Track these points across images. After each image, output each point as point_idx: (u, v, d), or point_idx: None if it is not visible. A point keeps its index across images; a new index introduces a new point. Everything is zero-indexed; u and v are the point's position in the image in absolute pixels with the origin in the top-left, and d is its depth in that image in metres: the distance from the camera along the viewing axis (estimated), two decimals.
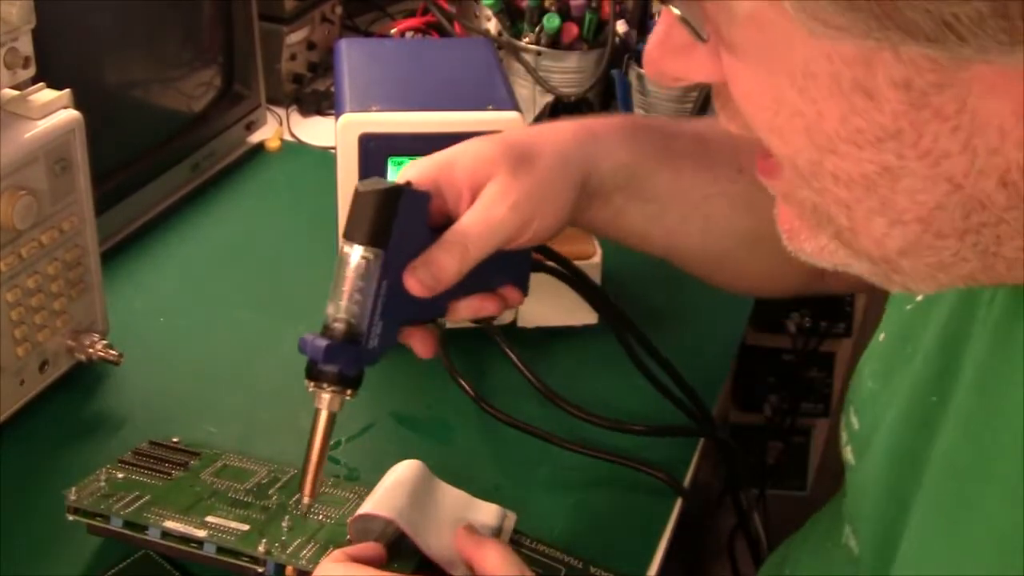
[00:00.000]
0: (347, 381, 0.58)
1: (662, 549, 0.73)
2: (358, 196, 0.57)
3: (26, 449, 0.76)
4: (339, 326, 0.57)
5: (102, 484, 0.68)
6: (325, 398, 0.57)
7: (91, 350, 0.80)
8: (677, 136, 0.69)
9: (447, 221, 0.60)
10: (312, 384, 0.58)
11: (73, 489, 0.66)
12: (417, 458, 0.79)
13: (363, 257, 0.56)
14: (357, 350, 0.57)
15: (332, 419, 0.58)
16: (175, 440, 0.75)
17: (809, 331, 1.60)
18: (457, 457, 0.79)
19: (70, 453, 0.77)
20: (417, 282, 0.58)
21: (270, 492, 0.70)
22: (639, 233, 0.69)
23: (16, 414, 0.77)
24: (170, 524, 0.64)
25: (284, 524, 0.66)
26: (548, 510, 0.74)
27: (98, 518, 0.65)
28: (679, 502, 0.76)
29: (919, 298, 0.54)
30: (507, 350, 0.82)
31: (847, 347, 1.66)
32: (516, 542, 0.70)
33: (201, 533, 0.63)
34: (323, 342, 0.56)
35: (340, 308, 0.57)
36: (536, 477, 0.78)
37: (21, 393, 0.77)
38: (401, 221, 0.57)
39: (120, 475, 0.69)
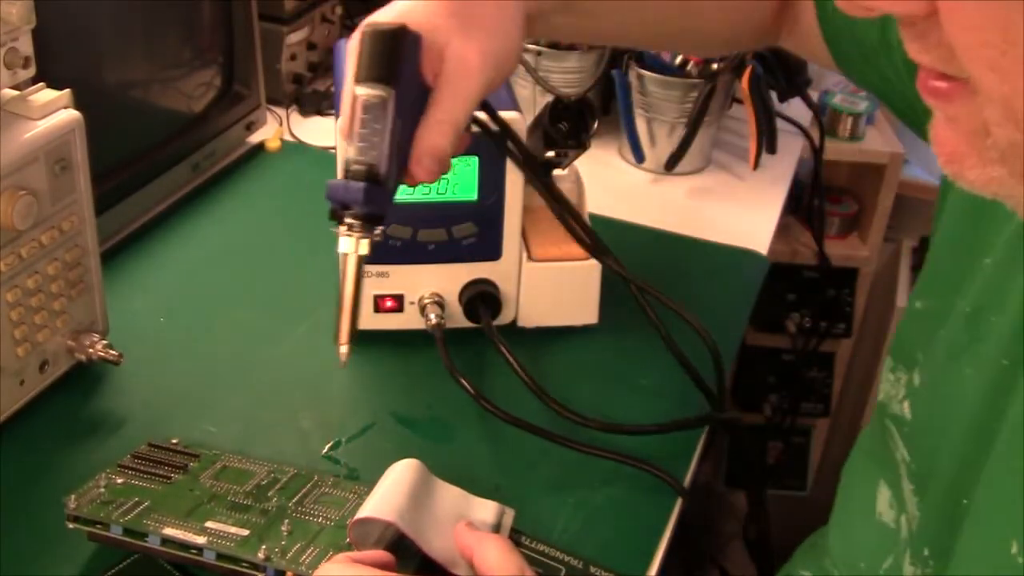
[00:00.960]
0: (377, 220, 0.59)
1: (662, 549, 0.73)
2: (367, 36, 0.58)
3: (26, 449, 0.76)
4: (359, 168, 0.58)
5: (101, 490, 0.68)
6: (357, 242, 0.59)
7: (91, 350, 0.80)
8: None
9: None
10: (344, 229, 0.59)
11: (72, 497, 0.66)
12: (417, 458, 0.79)
13: (378, 96, 0.58)
14: (383, 190, 0.59)
15: (362, 262, 0.60)
16: (174, 441, 0.75)
17: (809, 331, 1.60)
18: (457, 457, 0.79)
19: (70, 453, 0.77)
20: (424, 171, 0.61)
21: (270, 494, 0.70)
22: (580, 39, 0.75)
23: (16, 414, 0.77)
24: (169, 531, 0.64)
25: (284, 528, 0.66)
26: (548, 510, 0.74)
27: (98, 525, 0.65)
28: (679, 502, 0.76)
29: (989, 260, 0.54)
30: (504, 350, 0.82)
31: (847, 347, 1.66)
32: (516, 541, 0.70)
33: (200, 540, 0.63)
34: (358, 184, 0.58)
35: (360, 150, 0.58)
36: (536, 477, 0.78)
37: (21, 393, 0.77)
38: (405, 61, 0.59)
39: (119, 480, 0.69)
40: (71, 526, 0.65)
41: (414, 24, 0.60)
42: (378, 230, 0.59)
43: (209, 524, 0.65)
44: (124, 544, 0.65)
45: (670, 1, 0.75)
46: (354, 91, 0.59)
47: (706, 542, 0.80)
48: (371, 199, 0.58)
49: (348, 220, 0.59)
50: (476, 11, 0.63)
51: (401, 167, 0.61)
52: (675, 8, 0.75)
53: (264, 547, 0.63)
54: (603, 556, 0.70)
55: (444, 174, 0.62)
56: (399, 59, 0.58)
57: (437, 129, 0.61)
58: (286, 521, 0.66)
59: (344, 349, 0.60)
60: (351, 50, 0.60)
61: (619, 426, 0.79)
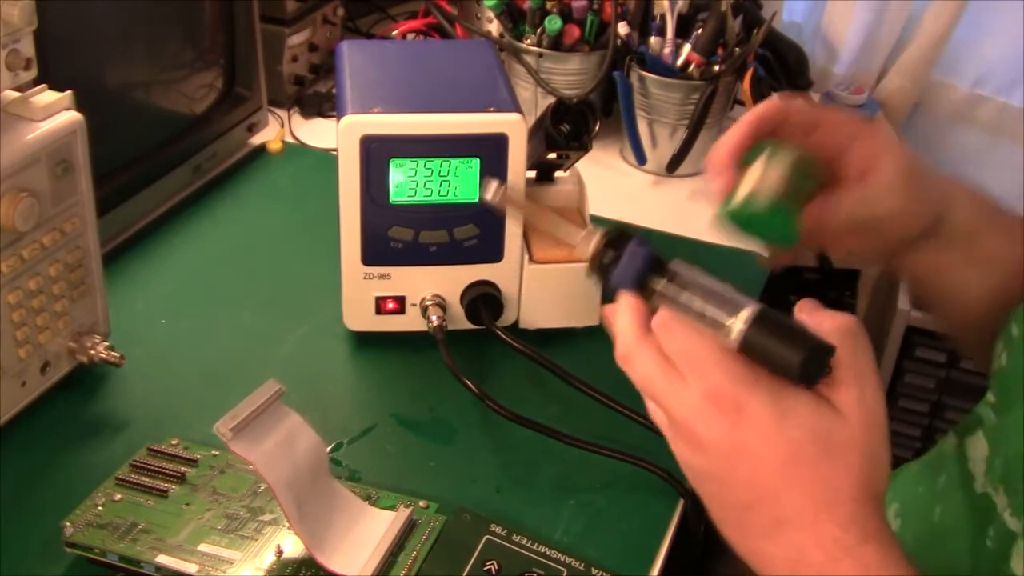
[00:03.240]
0: (608, 274, 0.58)
1: (664, 550, 0.73)
2: (817, 347, 0.52)
3: (28, 450, 0.76)
4: (666, 274, 0.57)
5: (99, 509, 0.69)
6: (598, 248, 0.59)
7: (93, 352, 0.80)
8: (1008, 210, 0.71)
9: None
10: (599, 240, 0.59)
11: (68, 523, 0.67)
12: (419, 459, 0.79)
13: (730, 328, 0.53)
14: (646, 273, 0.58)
15: (567, 237, 0.60)
16: (174, 442, 0.75)
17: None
18: (459, 458, 0.79)
19: (72, 454, 0.77)
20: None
21: (269, 499, 0.70)
22: (958, 290, 0.70)
23: (18, 415, 0.77)
24: (162, 559, 0.65)
25: (276, 551, 0.67)
26: (550, 511, 0.74)
27: (95, 551, 0.66)
28: (681, 503, 0.76)
29: None
30: (514, 343, 0.82)
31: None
32: (517, 543, 0.70)
33: (192, 569, 0.65)
34: (647, 256, 0.57)
35: (685, 284, 0.57)
36: (537, 478, 0.77)
37: (23, 395, 0.77)
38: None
39: (117, 496, 0.70)
40: (68, 551, 0.67)
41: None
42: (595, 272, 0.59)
43: (202, 547, 0.67)
44: (120, 570, 0.66)
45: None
46: (748, 307, 0.53)
47: (708, 542, 0.80)
48: (638, 263, 0.57)
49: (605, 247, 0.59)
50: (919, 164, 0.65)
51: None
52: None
53: None
54: (605, 558, 0.70)
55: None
56: (770, 366, 0.53)
57: (839, 205, 0.63)
58: (277, 545, 0.67)
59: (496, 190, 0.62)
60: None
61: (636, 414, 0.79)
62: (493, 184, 0.62)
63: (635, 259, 0.57)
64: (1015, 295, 0.67)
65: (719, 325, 0.53)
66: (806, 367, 0.50)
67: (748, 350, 0.52)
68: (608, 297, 0.58)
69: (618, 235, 0.58)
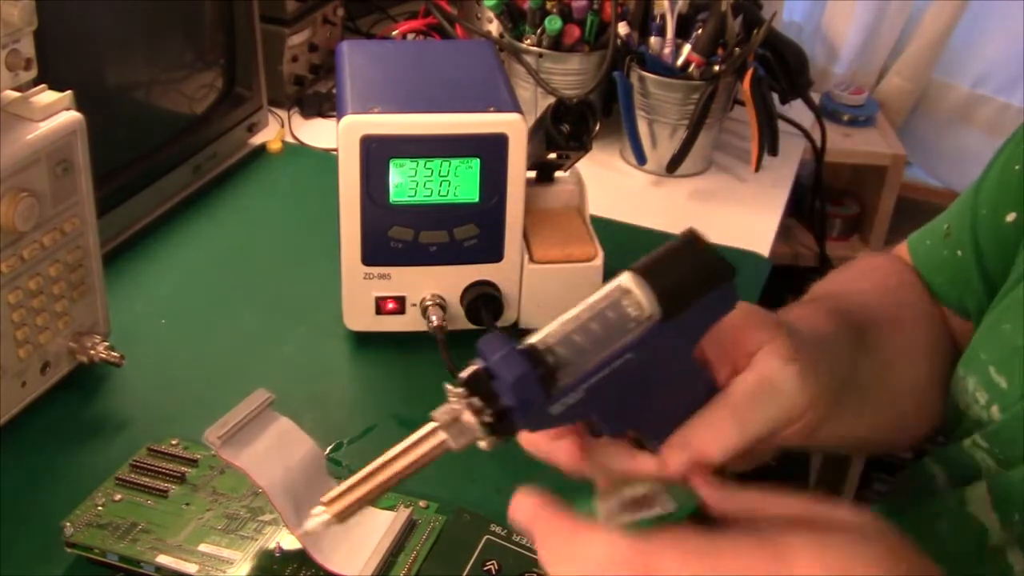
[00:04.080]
0: (507, 430, 0.43)
1: None
2: (687, 241, 0.44)
3: (28, 450, 0.76)
4: (548, 358, 0.43)
5: (99, 508, 0.69)
6: (461, 417, 0.43)
7: (93, 352, 0.80)
8: (849, 312, 0.62)
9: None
10: (461, 397, 0.43)
11: (69, 523, 0.67)
12: None
13: (635, 302, 0.43)
14: (543, 398, 0.43)
15: (438, 455, 0.45)
16: (174, 442, 0.75)
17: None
18: (458, 459, 0.79)
19: (72, 454, 0.77)
20: (676, 460, 0.46)
21: (267, 504, 0.70)
22: (852, 430, 0.60)
23: (18, 415, 0.77)
24: (162, 559, 0.65)
25: (276, 551, 0.67)
26: None
27: (95, 551, 0.67)
28: None
29: None
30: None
31: None
32: (518, 543, 0.70)
33: (192, 569, 0.65)
34: (521, 363, 0.42)
35: (559, 336, 0.43)
36: (537, 479, 0.77)
37: (23, 395, 0.77)
38: (704, 305, 0.44)
39: (117, 497, 0.70)
40: (69, 551, 0.67)
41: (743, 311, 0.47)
42: (487, 441, 0.44)
43: (202, 547, 0.67)
44: (120, 570, 0.66)
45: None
46: (620, 276, 0.45)
47: None
48: (525, 396, 0.42)
49: (481, 394, 0.43)
50: (816, 343, 0.52)
51: (574, 417, 0.44)
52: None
53: None
54: None
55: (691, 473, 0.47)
56: (697, 298, 0.44)
57: (723, 426, 0.47)
58: (277, 542, 0.67)
59: (321, 520, 0.46)
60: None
61: None
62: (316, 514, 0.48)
63: (521, 383, 0.42)
64: (886, 411, 0.63)
65: (626, 317, 0.44)
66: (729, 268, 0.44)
67: (669, 299, 0.43)
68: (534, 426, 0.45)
69: (470, 378, 0.43)
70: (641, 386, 0.44)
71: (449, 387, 0.43)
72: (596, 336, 0.43)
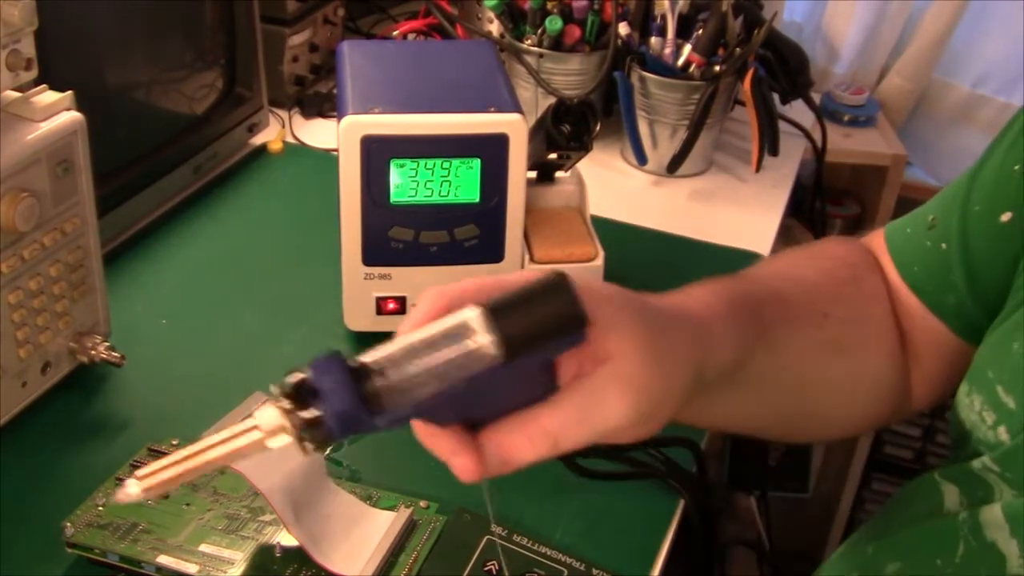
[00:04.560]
0: (324, 438, 0.43)
1: (664, 551, 0.73)
2: (551, 287, 0.43)
3: (28, 450, 0.76)
4: (378, 380, 0.43)
5: (99, 508, 0.69)
6: (282, 425, 0.43)
7: (93, 352, 0.80)
8: (763, 304, 0.62)
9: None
10: (279, 400, 0.42)
11: (69, 523, 0.67)
12: (419, 459, 0.79)
13: (482, 348, 0.42)
14: (364, 417, 0.42)
15: (256, 451, 0.44)
16: (174, 442, 0.75)
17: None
18: None
19: (72, 454, 0.77)
20: (475, 468, 0.47)
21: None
22: (727, 416, 0.62)
23: (18, 415, 0.77)
24: (163, 560, 0.66)
25: (277, 551, 0.67)
26: (550, 512, 0.74)
27: (95, 551, 0.67)
28: (681, 504, 0.76)
29: None
30: None
31: None
32: (518, 543, 0.70)
33: (192, 569, 0.65)
34: (351, 400, 0.42)
35: (391, 358, 0.43)
36: (538, 479, 0.77)
37: (23, 395, 0.77)
38: (550, 347, 0.44)
39: None
40: (69, 551, 0.67)
41: (593, 312, 0.44)
42: (303, 450, 0.43)
43: (203, 548, 0.67)
44: (121, 570, 0.67)
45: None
46: (466, 311, 0.43)
47: (709, 544, 0.80)
48: (344, 409, 0.42)
49: (298, 398, 0.42)
50: (666, 341, 0.50)
51: (404, 420, 0.44)
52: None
53: None
54: (605, 558, 0.70)
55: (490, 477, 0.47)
56: (545, 345, 0.43)
57: (537, 439, 0.46)
58: (278, 543, 0.67)
59: (135, 491, 0.44)
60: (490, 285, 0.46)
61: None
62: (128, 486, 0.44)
63: (339, 389, 0.42)
64: (787, 397, 0.64)
65: (468, 355, 0.42)
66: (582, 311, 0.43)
67: (512, 346, 0.42)
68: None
69: (296, 388, 0.42)
70: (473, 399, 0.44)
71: (274, 390, 0.42)
72: (433, 370, 0.42)
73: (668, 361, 0.49)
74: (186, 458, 0.44)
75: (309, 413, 0.42)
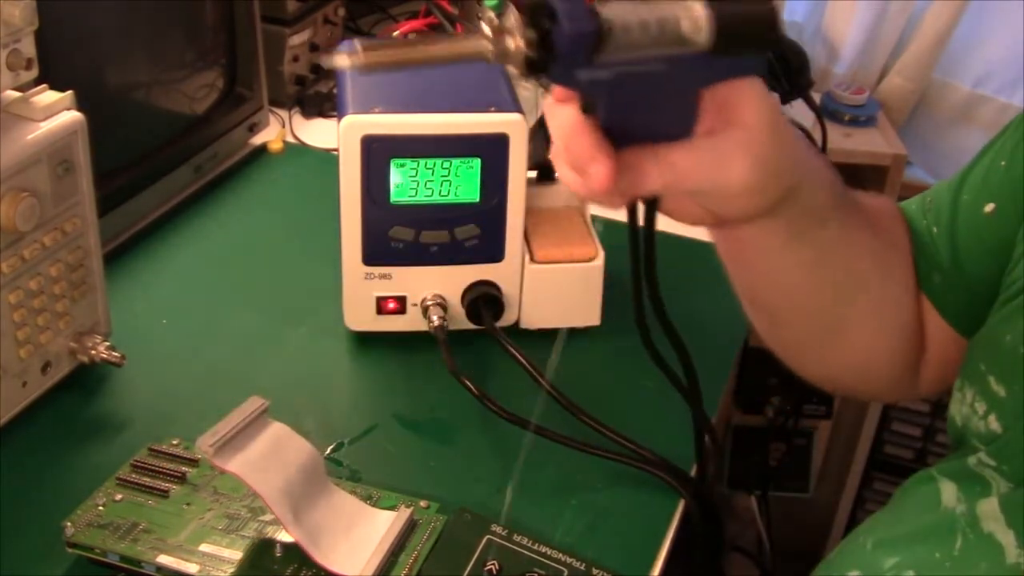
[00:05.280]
0: (539, 56, 0.44)
1: (665, 550, 0.73)
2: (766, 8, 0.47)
3: (29, 450, 0.76)
4: (605, 26, 0.44)
5: (100, 508, 0.69)
6: (507, 34, 0.44)
7: (94, 352, 0.80)
8: (848, 192, 0.66)
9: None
10: (520, 23, 0.44)
11: (70, 523, 0.67)
12: (419, 459, 0.79)
13: (695, 22, 0.45)
14: (585, 57, 0.45)
15: (474, 55, 0.46)
16: (175, 442, 0.75)
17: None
18: (459, 459, 0.79)
19: (73, 454, 0.77)
20: (608, 176, 0.49)
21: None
22: (784, 272, 0.63)
23: (19, 415, 0.77)
24: (163, 559, 0.66)
25: (277, 551, 0.67)
26: (550, 511, 0.74)
27: (96, 551, 0.67)
28: (681, 503, 0.76)
29: None
30: (512, 351, 0.82)
31: None
32: (518, 543, 0.70)
33: (193, 569, 0.65)
34: (590, 24, 0.44)
35: (624, 22, 0.45)
36: (538, 479, 0.77)
37: (24, 395, 0.77)
38: (742, 60, 0.48)
39: (118, 497, 0.70)
40: (69, 551, 0.67)
41: (740, 87, 0.51)
42: (519, 69, 0.45)
43: (203, 547, 0.67)
44: (121, 570, 0.67)
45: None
46: None
47: (709, 543, 0.80)
48: (573, 50, 0.44)
49: (527, 29, 0.44)
50: (790, 135, 0.55)
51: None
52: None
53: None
54: (605, 558, 0.70)
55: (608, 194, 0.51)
56: (747, 50, 0.48)
57: (666, 170, 0.51)
58: (278, 545, 0.67)
59: (348, 56, 0.46)
60: None
61: (625, 441, 0.78)
62: (348, 49, 0.46)
63: (577, 38, 0.44)
64: (835, 290, 0.65)
65: (680, 37, 0.46)
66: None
67: (723, 36, 0.46)
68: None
69: (535, 8, 0.44)
70: (652, 99, 0.48)
71: (513, 7, 0.45)
72: (650, 34, 0.45)
73: (787, 150, 0.54)
74: (409, 45, 0.47)
75: (538, 44, 0.44)
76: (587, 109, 0.49)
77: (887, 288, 0.68)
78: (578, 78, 0.45)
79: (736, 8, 0.46)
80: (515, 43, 0.44)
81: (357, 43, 0.45)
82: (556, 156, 0.52)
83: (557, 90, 0.51)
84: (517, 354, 0.82)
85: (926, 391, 0.73)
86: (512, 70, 0.45)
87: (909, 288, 0.70)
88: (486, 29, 0.45)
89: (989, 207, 0.65)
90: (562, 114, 0.50)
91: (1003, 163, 0.65)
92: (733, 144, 0.51)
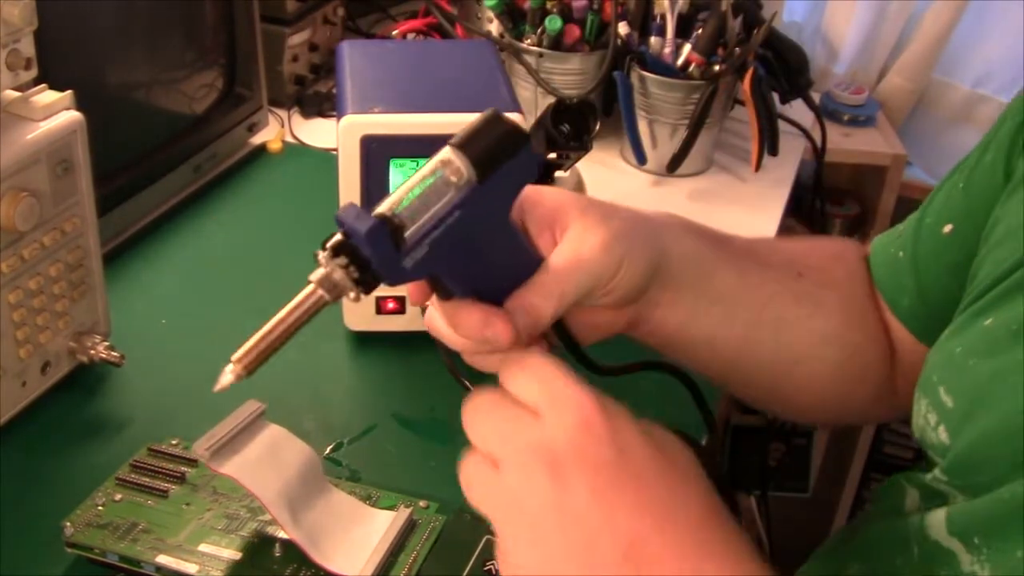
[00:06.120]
0: (370, 279, 0.50)
1: None
2: (490, 118, 0.53)
3: (28, 450, 0.76)
4: (393, 218, 0.50)
5: (99, 508, 0.69)
6: (332, 276, 0.51)
7: (93, 351, 0.80)
8: (730, 238, 0.69)
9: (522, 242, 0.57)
10: (327, 257, 0.50)
11: (69, 523, 0.67)
12: (419, 459, 0.79)
13: (456, 170, 0.51)
14: (395, 251, 0.49)
15: (318, 309, 0.52)
16: (174, 442, 0.75)
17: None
18: (459, 458, 0.79)
19: (72, 454, 0.77)
20: (509, 327, 0.54)
21: None
22: (709, 340, 0.65)
23: (18, 415, 0.77)
24: (162, 559, 0.66)
25: (276, 551, 0.67)
26: None
27: (95, 551, 0.67)
28: None
29: None
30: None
31: None
32: None
33: (192, 569, 0.65)
34: (372, 220, 0.49)
35: (400, 203, 0.50)
36: None
37: (23, 395, 0.77)
38: (509, 170, 0.52)
39: (117, 496, 0.70)
40: (69, 551, 0.67)
41: (553, 196, 0.57)
42: (355, 292, 0.50)
43: (203, 547, 0.67)
44: (120, 570, 0.67)
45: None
46: (442, 151, 0.52)
47: None
48: (377, 244, 0.49)
49: (340, 252, 0.50)
50: (613, 209, 0.59)
51: (423, 271, 0.52)
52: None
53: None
54: None
55: (530, 337, 0.55)
56: (502, 161, 0.52)
57: (541, 289, 0.55)
58: (278, 544, 0.67)
59: (230, 373, 0.53)
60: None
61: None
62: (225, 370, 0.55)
63: (374, 234, 0.49)
64: (764, 330, 0.67)
65: (448, 183, 0.51)
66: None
67: (482, 164, 0.51)
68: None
69: (335, 244, 0.51)
70: (474, 246, 0.52)
71: (318, 253, 0.51)
72: (427, 199, 0.50)
73: (623, 217, 0.59)
74: (267, 333, 0.55)
75: (353, 263, 0.50)
76: (442, 294, 0.54)
77: (816, 324, 0.69)
78: (405, 268, 0.50)
79: (481, 141, 0.52)
80: (339, 276, 0.51)
81: (230, 363, 0.53)
82: (466, 354, 0.58)
83: (412, 295, 0.56)
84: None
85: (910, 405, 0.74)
86: (352, 295, 0.50)
87: (868, 327, 0.71)
88: (308, 289, 0.53)
89: (947, 228, 0.68)
90: (433, 318, 0.57)
91: (961, 185, 0.68)
92: (578, 233, 0.56)
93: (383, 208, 0.50)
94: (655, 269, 0.60)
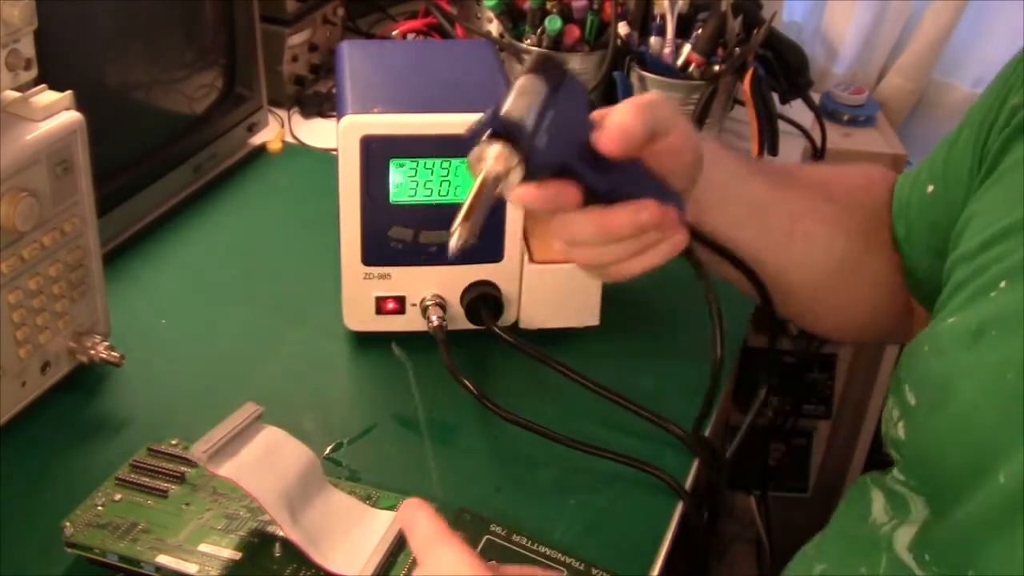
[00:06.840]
0: (518, 141, 0.57)
1: (664, 550, 0.73)
2: (543, 61, 0.59)
3: (28, 450, 0.76)
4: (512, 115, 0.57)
5: (99, 508, 0.69)
6: (494, 153, 0.57)
7: (93, 351, 0.80)
8: (763, 160, 0.74)
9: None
10: (486, 142, 0.58)
11: (68, 523, 0.67)
12: (419, 459, 0.79)
13: (538, 77, 0.58)
14: (528, 131, 0.57)
15: (497, 184, 0.57)
16: (174, 442, 0.75)
17: (810, 333, 1.59)
18: (458, 458, 0.79)
19: (72, 454, 0.77)
20: (608, 139, 0.59)
21: None
22: (751, 242, 0.71)
23: (18, 415, 0.77)
24: (162, 559, 0.66)
25: (276, 551, 0.67)
26: (549, 511, 0.74)
27: (95, 551, 0.66)
28: (681, 503, 0.76)
29: (1002, 284, 0.57)
30: (516, 343, 0.82)
31: (849, 348, 1.66)
32: (517, 543, 0.70)
33: (192, 569, 0.65)
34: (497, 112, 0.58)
35: (513, 107, 0.57)
36: (537, 479, 0.78)
37: (23, 395, 0.77)
38: (569, 82, 0.59)
39: (117, 496, 0.70)
40: (69, 551, 0.67)
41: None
42: (516, 161, 0.57)
43: (202, 547, 0.67)
44: (120, 570, 0.67)
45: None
46: (525, 75, 0.58)
47: (709, 544, 0.80)
48: (514, 124, 0.57)
49: (490, 138, 0.58)
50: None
51: (553, 155, 0.58)
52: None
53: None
54: (604, 558, 0.70)
55: (628, 149, 0.60)
56: (558, 85, 0.59)
57: (619, 109, 0.60)
58: (277, 544, 0.67)
59: (456, 239, 0.57)
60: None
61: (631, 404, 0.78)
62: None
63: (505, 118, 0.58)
64: (796, 242, 0.73)
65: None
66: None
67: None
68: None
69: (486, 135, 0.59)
70: (576, 138, 0.60)
71: (477, 144, 0.58)
72: (528, 101, 0.57)
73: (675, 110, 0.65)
74: (465, 203, 0.57)
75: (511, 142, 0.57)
76: (586, 193, 0.61)
77: (835, 245, 0.75)
78: (540, 146, 0.57)
79: (541, 64, 0.59)
80: (499, 149, 0.57)
81: (455, 229, 0.57)
82: (619, 261, 0.64)
83: (564, 195, 0.60)
84: (521, 345, 0.82)
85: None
86: (515, 163, 0.57)
87: (871, 247, 0.76)
88: (484, 170, 0.58)
89: (930, 187, 0.72)
90: (576, 234, 0.63)
91: (944, 147, 0.72)
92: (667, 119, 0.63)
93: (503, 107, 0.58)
94: (699, 159, 0.66)
